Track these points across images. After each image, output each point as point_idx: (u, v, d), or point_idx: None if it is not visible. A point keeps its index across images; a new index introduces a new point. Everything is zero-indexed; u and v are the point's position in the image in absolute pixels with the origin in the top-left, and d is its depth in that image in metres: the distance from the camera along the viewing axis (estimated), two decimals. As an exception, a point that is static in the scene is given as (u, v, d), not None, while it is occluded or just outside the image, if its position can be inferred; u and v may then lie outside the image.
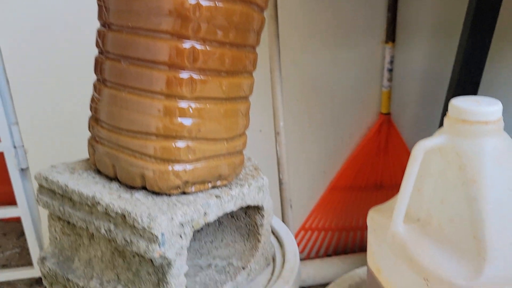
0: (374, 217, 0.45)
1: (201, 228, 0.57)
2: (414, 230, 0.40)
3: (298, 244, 1.11)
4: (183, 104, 0.42)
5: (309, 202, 1.10)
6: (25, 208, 0.96)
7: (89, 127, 0.47)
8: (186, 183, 0.44)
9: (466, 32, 0.85)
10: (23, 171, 0.96)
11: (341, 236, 1.13)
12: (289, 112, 1.01)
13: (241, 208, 0.53)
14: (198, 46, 0.41)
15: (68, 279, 0.46)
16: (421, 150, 0.38)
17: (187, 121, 0.42)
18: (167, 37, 0.40)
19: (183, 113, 0.42)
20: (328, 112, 1.04)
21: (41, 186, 0.47)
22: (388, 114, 1.04)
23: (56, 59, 0.89)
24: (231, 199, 0.47)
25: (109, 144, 0.45)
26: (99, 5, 0.44)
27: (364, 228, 1.13)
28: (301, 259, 1.08)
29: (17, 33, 0.85)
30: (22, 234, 1.17)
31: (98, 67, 0.45)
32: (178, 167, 0.43)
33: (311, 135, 1.05)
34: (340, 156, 1.08)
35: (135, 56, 0.41)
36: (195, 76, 0.41)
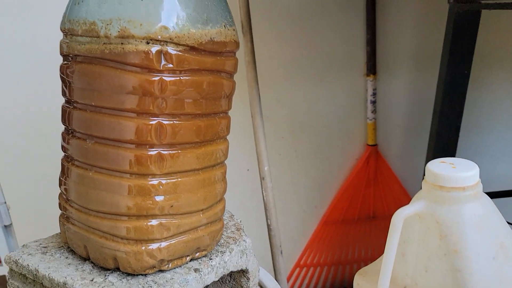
0: (360, 283, 0.43)
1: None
2: (400, 299, 0.38)
3: (294, 282, 1.08)
4: (153, 181, 0.40)
5: (302, 238, 1.08)
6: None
7: (59, 205, 0.46)
8: (161, 261, 0.42)
9: (445, 61, 0.85)
10: (6, 227, 0.93)
11: (337, 270, 1.11)
12: (275, 149, 1.00)
13: (224, 274, 0.51)
14: (166, 122, 0.40)
15: None
16: (400, 218, 0.37)
17: (159, 198, 0.40)
18: (132, 115, 0.39)
19: (155, 190, 0.40)
20: (315, 146, 1.03)
21: (11, 270, 0.45)
22: (375, 145, 1.03)
23: (37, 115, 0.87)
24: (211, 270, 0.45)
25: (79, 224, 0.43)
26: (62, 80, 0.43)
27: (360, 260, 1.11)
28: (297, 299, 1.06)
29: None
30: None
31: (65, 144, 0.44)
32: (152, 246, 0.41)
33: (300, 170, 1.04)
34: (331, 190, 1.07)
35: (101, 135, 0.40)
36: (164, 152, 0.40)
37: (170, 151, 0.40)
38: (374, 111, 1.00)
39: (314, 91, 0.99)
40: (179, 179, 0.42)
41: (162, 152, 0.40)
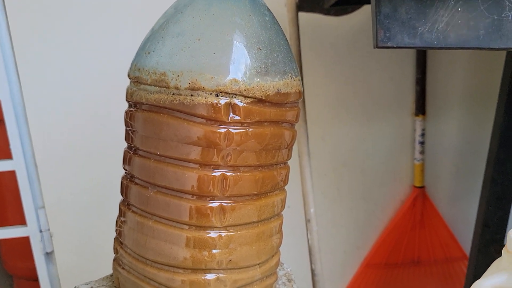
0: None
1: None
2: None
3: (332, 327, 1.04)
4: (212, 234, 0.39)
5: (343, 280, 1.04)
6: (48, 292, 0.94)
7: (114, 249, 0.45)
8: (216, 317, 0.40)
9: (502, 104, 0.82)
10: (48, 254, 0.94)
11: (378, 316, 1.06)
12: (318, 187, 0.97)
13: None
14: (229, 173, 0.39)
15: None
16: (479, 291, 0.34)
17: (216, 251, 0.39)
18: (196, 166, 0.38)
19: (213, 243, 0.39)
20: (359, 186, 1.00)
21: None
22: (422, 187, 0.99)
23: (86, 141, 0.89)
24: (265, 327, 0.43)
25: (134, 272, 0.42)
26: (126, 126, 0.43)
27: (402, 308, 1.06)
28: None
29: (46, 114, 0.86)
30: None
31: (124, 189, 0.43)
32: (208, 301, 0.39)
33: (342, 209, 1.01)
34: (374, 231, 1.03)
35: (163, 185, 0.39)
36: (226, 204, 0.39)
37: (231, 203, 0.39)
38: (422, 152, 0.97)
39: (360, 130, 0.97)
40: (238, 232, 0.40)
41: (223, 204, 0.39)
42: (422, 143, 0.97)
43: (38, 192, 0.91)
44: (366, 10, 0.88)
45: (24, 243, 0.94)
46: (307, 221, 0.75)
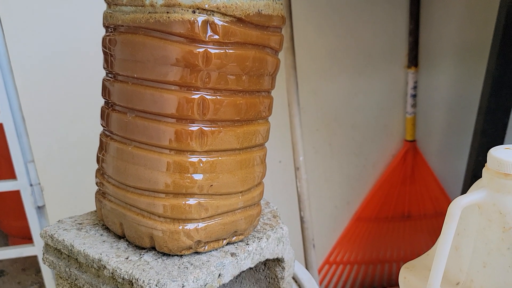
0: (407, 277, 0.40)
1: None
2: (453, 296, 0.35)
3: (322, 279, 1.06)
4: (193, 158, 0.39)
5: (333, 234, 1.05)
6: (41, 246, 0.94)
7: (96, 181, 0.45)
8: (198, 242, 0.40)
9: (495, 55, 0.81)
10: (40, 208, 0.94)
11: (367, 269, 1.07)
12: (309, 142, 0.97)
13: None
14: (208, 96, 0.38)
15: None
16: (458, 208, 0.34)
17: (198, 176, 0.39)
18: (174, 88, 0.37)
19: (194, 168, 0.39)
20: (350, 140, 1.00)
21: (47, 245, 0.45)
22: (413, 141, 0.99)
23: (73, 95, 0.88)
24: (248, 256, 0.43)
25: (116, 200, 0.42)
26: (104, 53, 0.42)
27: (392, 261, 1.07)
28: (326, 296, 1.03)
29: (33, 70, 0.85)
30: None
31: (104, 118, 0.43)
32: (189, 226, 0.39)
33: (334, 165, 1.01)
34: (364, 186, 1.03)
35: (142, 109, 0.38)
36: (206, 128, 0.38)
37: (211, 128, 0.39)
38: (414, 105, 0.96)
39: (351, 83, 0.95)
40: (219, 158, 0.40)
41: (203, 128, 0.38)
42: (414, 96, 0.96)
43: (27, 146, 0.90)
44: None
45: (16, 200, 0.94)
46: (296, 169, 0.75)
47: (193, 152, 0.39)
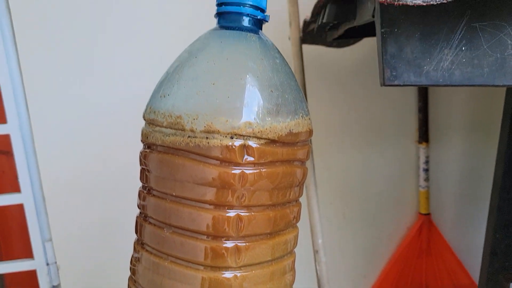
0: None
1: None
2: None
3: None
4: (227, 274, 0.39)
5: (350, 309, 1.03)
6: (54, 328, 0.93)
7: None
8: None
9: (505, 134, 0.83)
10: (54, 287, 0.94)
11: None
12: (324, 216, 0.98)
13: None
14: (243, 214, 0.39)
15: None
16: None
17: (232, 292, 0.39)
18: (211, 207, 0.39)
19: (229, 283, 0.39)
20: (364, 214, 1.00)
21: None
22: (428, 214, 1.00)
23: (93, 175, 0.90)
24: None
25: (149, 313, 0.42)
26: (141, 167, 0.44)
27: (412, 337, 1.04)
28: None
29: (54, 148, 0.87)
30: None
31: (138, 228, 0.44)
32: None
33: (349, 238, 1.01)
34: (380, 259, 1.03)
35: (179, 225, 0.40)
36: (241, 244, 0.40)
37: (246, 243, 0.40)
38: (427, 179, 0.98)
39: (364, 158, 0.97)
40: (253, 272, 0.41)
41: (238, 244, 0.39)
42: (426, 170, 0.97)
43: (46, 225, 0.91)
44: (366, 42, 0.90)
45: (30, 277, 0.94)
46: (315, 252, 0.75)
47: (228, 268, 0.39)
